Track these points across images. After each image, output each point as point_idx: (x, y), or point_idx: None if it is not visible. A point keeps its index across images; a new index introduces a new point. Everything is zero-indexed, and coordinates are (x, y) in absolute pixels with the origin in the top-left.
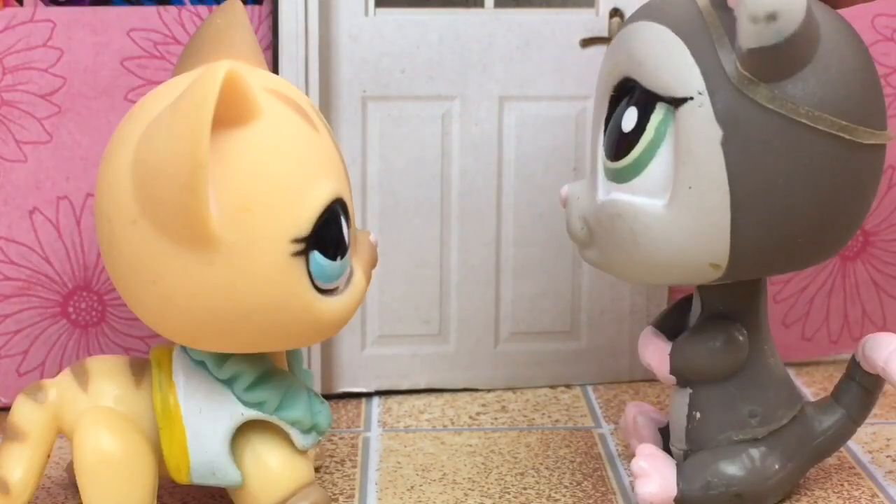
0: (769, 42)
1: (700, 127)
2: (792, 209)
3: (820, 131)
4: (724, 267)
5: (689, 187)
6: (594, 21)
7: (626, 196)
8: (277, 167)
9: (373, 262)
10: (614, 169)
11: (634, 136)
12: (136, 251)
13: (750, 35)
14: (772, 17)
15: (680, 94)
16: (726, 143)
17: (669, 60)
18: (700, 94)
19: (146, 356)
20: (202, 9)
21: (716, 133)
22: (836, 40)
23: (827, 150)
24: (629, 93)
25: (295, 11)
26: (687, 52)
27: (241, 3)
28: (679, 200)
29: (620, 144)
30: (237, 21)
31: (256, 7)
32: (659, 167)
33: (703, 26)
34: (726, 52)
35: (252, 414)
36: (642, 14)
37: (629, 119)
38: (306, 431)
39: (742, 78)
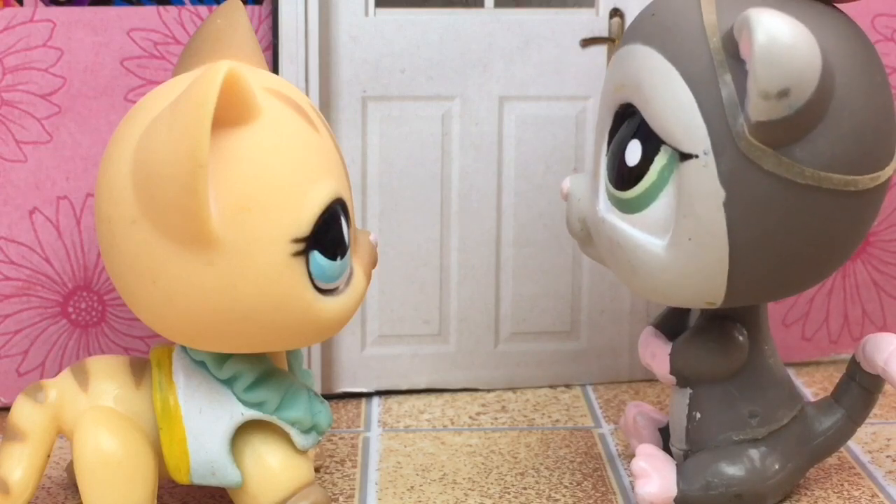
0: (779, 116)
1: (703, 186)
2: (790, 257)
3: (824, 189)
4: (718, 304)
5: (689, 238)
6: (594, 21)
7: (626, 227)
8: (277, 167)
9: (373, 262)
10: (617, 197)
11: (638, 172)
12: (136, 251)
13: (760, 110)
14: (784, 93)
15: (686, 149)
16: (728, 204)
17: (678, 112)
18: (706, 153)
19: (146, 356)
20: (202, 9)
21: (718, 194)
22: (851, 82)
23: (830, 204)
24: (634, 115)
25: (295, 11)
26: (696, 108)
27: (241, 3)
28: (678, 247)
29: (623, 175)
30: (237, 21)
31: (256, 7)
32: (660, 209)
33: (713, 76)
34: (734, 110)
35: (252, 414)
36: (651, 35)
37: (632, 153)
38: (306, 431)
39: (749, 144)
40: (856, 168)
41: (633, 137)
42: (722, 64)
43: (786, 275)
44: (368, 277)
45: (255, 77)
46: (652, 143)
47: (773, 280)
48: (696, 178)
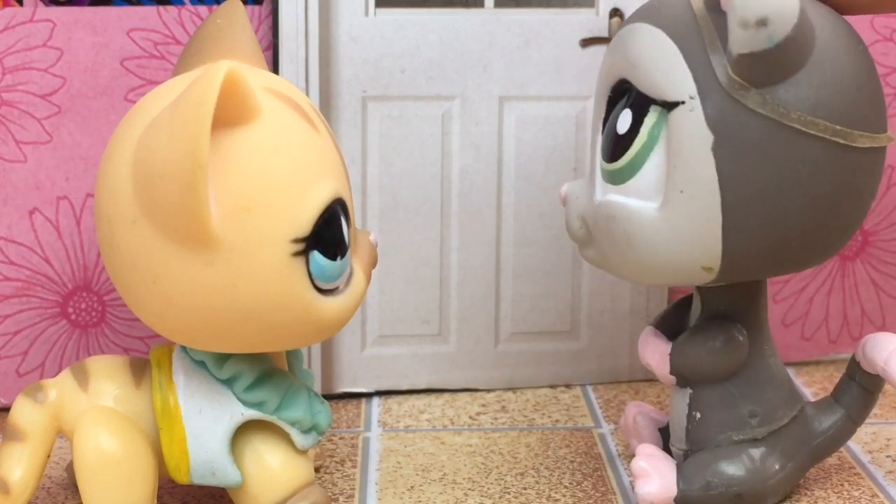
0: (760, 48)
1: (691, 131)
2: (784, 213)
3: (812, 136)
4: (716, 270)
5: (681, 191)
6: (594, 21)
7: (620, 198)
8: (277, 167)
9: (373, 262)
10: (610, 170)
11: (629, 138)
12: (136, 251)
13: (740, 41)
14: (762, 22)
15: (672, 97)
16: (717, 148)
17: (662, 64)
18: (692, 98)
19: (146, 356)
20: (202, 9)
21: (706, 138)
22: (833, 43)
23: (820, 154)
24: (625, 94)
25: (295, 11)
26: (679, 55)
27: (241, 3)
28: (671, 204)
29: (616, 146)
30: (237, 21)
31: (256, 7)
32: (652, 170)
33: (696, 29)
34: (718, 57)
35: (252, 414)
36: (639, 16)
37: (624, 121)
38: (306, 431)
39: (733, 83)
40: (843, 119)
41: (624, 109)
42: (704, 19)
43: (782, 241)
44: (368, 277)
45: (255, 77)
46: (642, 108)
47: (769, 247)
48: (684, 125)
